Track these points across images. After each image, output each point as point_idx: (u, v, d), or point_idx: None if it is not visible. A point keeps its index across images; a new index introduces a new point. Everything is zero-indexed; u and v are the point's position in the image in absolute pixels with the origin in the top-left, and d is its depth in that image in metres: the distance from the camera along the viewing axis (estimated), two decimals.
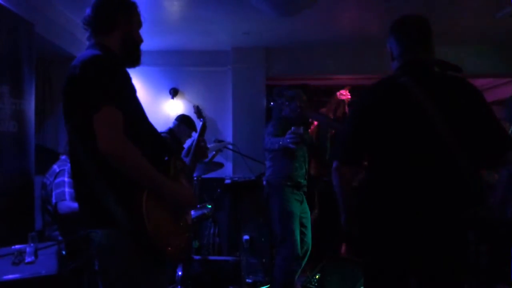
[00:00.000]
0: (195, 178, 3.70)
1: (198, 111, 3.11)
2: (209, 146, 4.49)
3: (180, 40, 5.24)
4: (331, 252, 4.31)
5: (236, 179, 5.00)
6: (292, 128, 3.30)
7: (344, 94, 4.54)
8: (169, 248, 1.68)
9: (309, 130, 4.22)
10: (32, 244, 2.19)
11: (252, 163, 4.66)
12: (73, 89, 1.63)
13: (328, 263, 3.91)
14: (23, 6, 3.40)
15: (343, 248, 5.09)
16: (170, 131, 4.87)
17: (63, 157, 3.39)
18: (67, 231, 3.20)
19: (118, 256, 1.65)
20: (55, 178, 3.24)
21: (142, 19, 1.92)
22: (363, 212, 1.95)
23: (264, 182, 3.76)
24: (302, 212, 3.64)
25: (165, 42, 5.25)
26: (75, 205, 3.03)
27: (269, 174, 3.72)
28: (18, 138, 3.10)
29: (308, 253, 3.69)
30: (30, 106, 3.27)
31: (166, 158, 1.76)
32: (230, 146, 4.97)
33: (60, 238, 3.15)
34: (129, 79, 1.75)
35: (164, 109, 5.69)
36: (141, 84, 5.60)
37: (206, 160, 4.38)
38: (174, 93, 5.64)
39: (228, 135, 5.62)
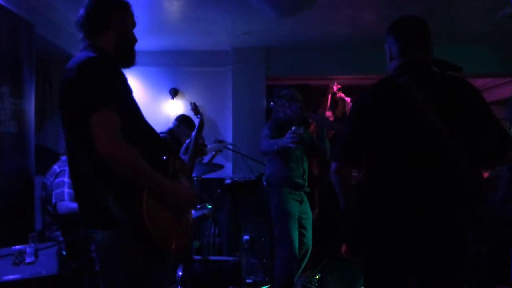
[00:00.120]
0: (195, 179, 3.70)
1: (195, 108, 3.11)
2: (209, 146, 4.51)
3: (180, 40, 5.24)
4: (332, 252, 4.31)
5: (236, 179, 5.00)
6: (293, 128, 3.30)
7: (335, 88, 4.62)
8: (170, 247, 1.68)
9: (310, 129, 4.23)
10: (32, 245, 2.19)
11: (252, 163, 4.66)
12: (69, 93, 1.62)
13: (328, 263, 3.91)
14: (23, 6, 3.40)
15: (343, 248, 5.09)
16: (170, 131, 4.87)
17: (63, 157, 3.39)
18: (67, 231, 3.20)
19: (118, 256, 1.65)
20: (55, 178, 3.24)
21: (137, 19, 1.90)
22: (363, 212, 1.95)
23: (264, 183, 3.78)
24: (302, 212, 3.64)
25: (165, 42, 5.25)
26: (74, 205, 3.03)
27: (267, 175, 3.74)
28: (18, 139, 3.10)
29: (308, 254, 3.69)
30: (30, 106, 3.27)
31: (164, 157, 1.76)
32: (230, 146, 4.97)
33: (61, 238, 3.15)
34: (125, 80, 1.75)
35: (164, 109, 5.68)
36: (141, 84, 5.61)
37: (206, 160, 4.38)
38: (174, 93, 5.63)
39: (228, 135, 5.62)
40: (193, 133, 2.45)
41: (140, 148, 1.59)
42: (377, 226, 1.89)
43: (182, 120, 4.88)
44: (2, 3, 3.07)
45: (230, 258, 3.53)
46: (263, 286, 4.11)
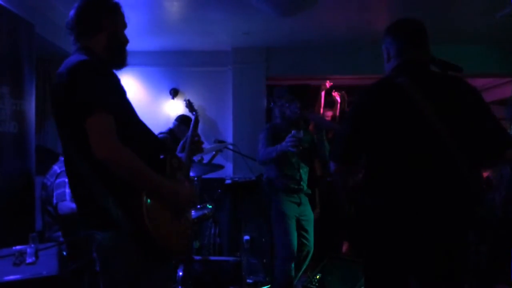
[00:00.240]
0: (195, 179, 3.70)
1: (189, 104, 3.11)
2: (209, 146, 4.51)
3: (180, 40, 5.24)
4: (332, 252, 4.31)
5: (237, 179, 5.00)
6: (293, 131, 3.30)
7: (328, 85, 4.67)
8: (171, 247, 1.68)
9: (310, 128, 4.23)
10: (33, 245, 2.19)
11: (252, 163, 4.65)
12: (63, 98, 1.62)
13: (329, 263, 3.91)
14: (23, 6, 3.40)
15: (344, 248, 5.09)
16: (170, 131, 4.87)
17: (63, 158, 3.39)
18: (68, 231, 3.20)
19: (119, 257, 1.65)
20: (56, 178, 3.24)
21: (127, 20, 1.89)
22: (363, 212, 1.95)
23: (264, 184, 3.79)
24: (302, 214, 3.63)
25: (165, 42, 5.25)
26: (75, 205, 3.03)
27: (264, 180, 3.78)
28: (19, 139, 3.10)
29: (310, 256, 3.68)
30: (31, 107, 3.27)
31: (161, 156, 1.76)
32: (231, 146, 4.96)
33: (61, 239, 3.15)
34: (118, 81, 1.74)
35: (165, 109, 5.68)
36: (141, 85, 5.61)
37: (206, 161, 4.38)
38: (174, 93, 5.63)
39: (228, 135, 5.62)
40: (189, 131, 2.44)
41: (137, 149, 1.58)
42: (377, 226, 1.89)
43: (182, 120, 4.88)
44: (2, 3, 3.07)
45: (231, 258, 3.52)
46: (264, 286, 4.11)
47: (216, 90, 5.71)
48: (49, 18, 3.91)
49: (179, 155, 2.09)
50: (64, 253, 2.47)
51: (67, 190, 3.18)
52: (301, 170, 3.65)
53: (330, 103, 5.04)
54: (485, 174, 3.59)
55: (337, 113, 4.93)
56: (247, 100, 5.54)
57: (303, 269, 3.70)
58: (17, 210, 3.01)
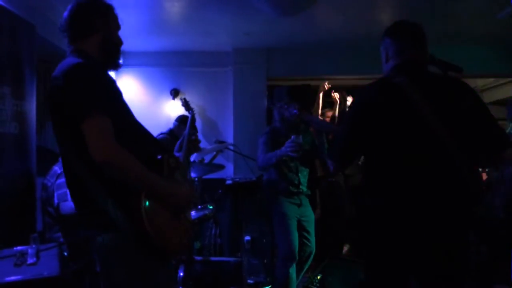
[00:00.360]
0: (196, 179, 3.70)
1: (185, 103, 3.10)
2: (210, 147, 4.51)
3: (181, 41, 5.24)
4: (333, 252, 4.31)
5: (237, 179, 5.00)
6: (292, 137, 3.29)
7: (326, 86, 4.66)
8: (171, 247, 1.68)
9: (311, 129, 4.23)
10: (34, 246, 2.19)
11: (253, 163, 4.64)
12: (59, 101, 1.62)
13: (330, 263, 3.91)
14: (24, 7, 3.40)
15: (345, 248, 5.10)
16: (171, 132, 4.88)
17: None
18: (68, 232, 3.20)
19: (119, 258, 1.65)
20: (56, 179, 3.25)
21: (121, 21, 1.89)
22: (363, 212, 1.95)
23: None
24: (303, 215, 3.63)
25: (166, 42, 5.25)
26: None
27: (263, 182, 3.77)
28: (20, 140, 3.11)
29: (312, 257, 3.68)
30: (31, 107, 3.27)
31: (159, 157, 1.75)
32: (231, 147, 4.96)
33: (61, 240, 3.15)
34: (113, 82, 1.74)
35: (165, 109, 5.68)
36: (142, 85, 5.61)
37: (207, 161, 4.38)
38: (175, 93, 5.63)
39: (229, 136, 5.62)
40: (186, 129, 2.43)
41: (134, 150, 1.58)
42: (377, 226, 1.89)
43: (182, 120, 4.88)
44: (2, 4, 3.07)
45: (231, 259, 3.52)
46: (264, 286, 4.12)
47: (216, 90, 5.71)
48: (50, 19, 3.91)
49: (177, 154, 2.09)
50: (65, 253, 2.47)
51: None
52: (299, 174, 3.64)
53: (330, 103, 5.04)
54: (484, 176, 3.59)
55: (337, 114, 4.93)
56: (248, 100, 5.54)
57: (304, 269, 3.70)
58: (18, 211, 3.02)
